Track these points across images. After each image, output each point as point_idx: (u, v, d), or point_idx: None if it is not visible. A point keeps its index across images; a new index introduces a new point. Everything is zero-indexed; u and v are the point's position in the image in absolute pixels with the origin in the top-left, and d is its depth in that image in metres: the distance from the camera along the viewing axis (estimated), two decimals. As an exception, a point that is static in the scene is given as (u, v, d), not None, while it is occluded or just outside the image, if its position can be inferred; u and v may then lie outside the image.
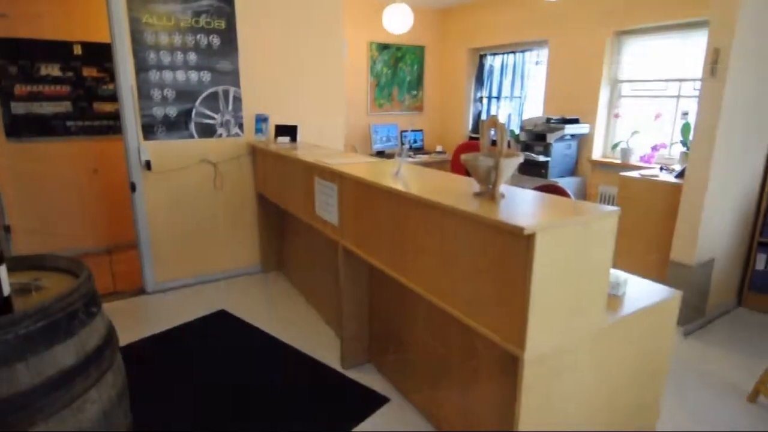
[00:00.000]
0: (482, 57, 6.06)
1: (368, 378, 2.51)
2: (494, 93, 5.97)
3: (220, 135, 3.64)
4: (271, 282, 3.81)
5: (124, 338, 2.91)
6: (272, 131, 3.77)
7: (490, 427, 1.78)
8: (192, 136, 3.53)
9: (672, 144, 4.15)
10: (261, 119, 3.70)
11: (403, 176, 2.08)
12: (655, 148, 4.27)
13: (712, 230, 2.99)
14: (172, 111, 3.42)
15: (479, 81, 6.15)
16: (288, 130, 3.69)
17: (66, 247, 4.25)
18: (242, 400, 2.33)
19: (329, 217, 2.49)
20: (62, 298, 1.41)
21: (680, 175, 3.39)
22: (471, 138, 6.18)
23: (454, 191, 1.74)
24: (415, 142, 6.26)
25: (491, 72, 5.99)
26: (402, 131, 6.15)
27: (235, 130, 3.68)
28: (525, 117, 5.48)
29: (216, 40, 3.48)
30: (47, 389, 1.35)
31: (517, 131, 5.07)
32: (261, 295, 3.57)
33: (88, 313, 1.54)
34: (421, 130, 6.33)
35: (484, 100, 6.12)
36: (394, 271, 1.96)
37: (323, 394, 2.37)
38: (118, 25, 3.12)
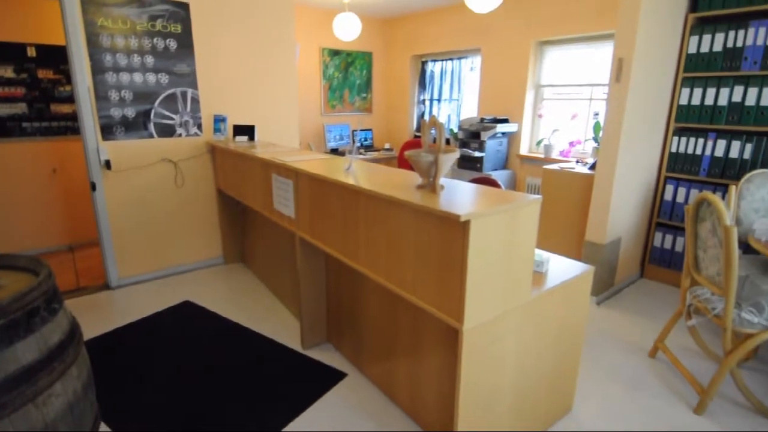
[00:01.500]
0: (424, 63, 6.11)
1: (327, 356, 2.50)
2: (435, 96, 6.05)
3: (180, 135, 3.47)
4: (234, 273, 3.71)
5: (91, 332, 2.76)
6: (231, 131, 3.65)
7: (436, 392, 1.83)
8: (152, 136, 3.35)
9: (586, 140, 4.37)
10: (219, 119, 3.57)
11: (354, 171, 2.08)
12: (572, 144, 4.48)
13: (619, 214, 3.18)
14: (131, 112, 3.23)
15: (422, 85, 6.21)
16: (246, 130, 3.58)
17: (28, 247, 3.95)
18: (208, 384, 2.26)
19: (286, 211, 2.45)
20: (21, 297, 1.32)
21: (593, 167, 3.58)
22: (415, 136, 6.24)
23: (399, 184, 1.75)
24: (365, 140, 6.24)
25: (432, 77, 6.05)
26: (353, 130, 6.13)
27: (194, 130, 3.53)
28: (462, 117, 5.59)
29: (173, 44, 3.30)
30: (9, 386, 1.26)
31: (455, 130, 5.17)
32: (224, 285, 3.46)
33: (49, 310, 1.45)
34: (370, 130, 6.33)
35: (427, 102, 6.19)
36: (347, 257, 1.96)
37: (285, 374, 2.34)
38: (73, 27, 2.90)
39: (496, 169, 4.84)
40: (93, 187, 3.16)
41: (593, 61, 4.28)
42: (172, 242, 3.59)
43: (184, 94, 3.42)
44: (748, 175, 2.64)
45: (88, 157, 3.11)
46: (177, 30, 3.30)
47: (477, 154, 4.73)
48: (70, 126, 4.03)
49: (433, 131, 1.72)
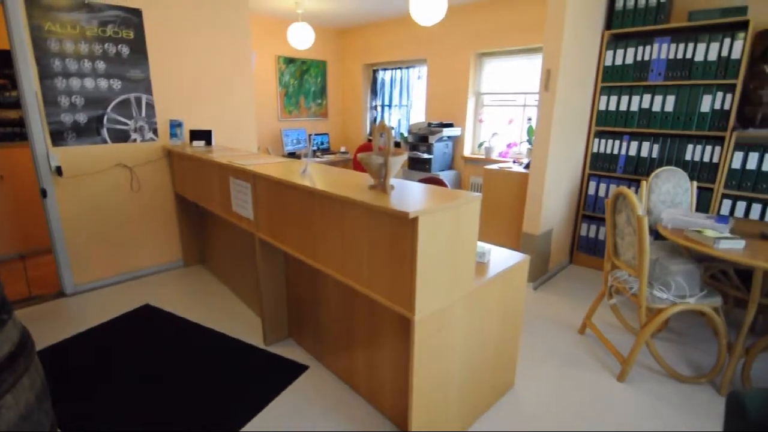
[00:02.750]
0: (375, 71, 6.12)
1: (289, 351, 2.45)
2: (386, 102, 6.07)
3: (135, 140, 3.27)
4: (195, 275, 3.55)
5: (46, 341, 2.55)
6: (187, 135, 3.48)
7: (392, 377, 1.84)
8: (105, 142, 3.13)
9: (521, 142, 4.55)
10: (175, 124, 3.39)
11: (310, 174, 2.04)
12: (509, 146, 4.64)
13: (550, 207, 3.33)
14: (82, 117, 3.00)
15: (374, 92, 6.22)
16: (203, 135, 3.43)
17: (-29, 256, 3.59)
18: (170, 386, 2.15)
19: (245, 213, 2.37)
20: (-36, 308, 1.19)
21: (527, 166, 3.73)
22: (369, 140, 6.24)
23: (353, 185, 1.75)
24: (322, 144, 6.17)
25: (383, 84, 6.08)
26: (310, 135, 6.04)
27: (150, 135, 3.34)
28: (411, 122, 5.65)
29: (125, 49, 3.10)
30: (-47, 400, 1.13)
31: (405, 134, 5.22)
32: (185, 287, 3.30)
33: (-4, 320, 1.31)
34: (327, 134, 6.26)
35: (379, 108, 6.20)
36: (305, 256, 1.93)
37: (248, 370, 2.27)
38: (17, 31, 2.65)
39: (443, 170, 4.94)
40: (44, 194, 2.91)
41: (526, 72, 4.45)
42: (130, 247, 3.38)
43: (138, 100, 3.23)
44: (656, 172, 2.84)
45: (38, 163, 2.86)
46: (129, 36, 3.11)
47: (425, 156, 4.80)
48: (18, 132, 3.70)
49: (382, 136, 1.72)
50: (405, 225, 1.39)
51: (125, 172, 3.26)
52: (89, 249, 3.18)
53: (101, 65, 3.02)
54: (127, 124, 3.21)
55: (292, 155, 5.68)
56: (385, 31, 5.65)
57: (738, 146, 2.88)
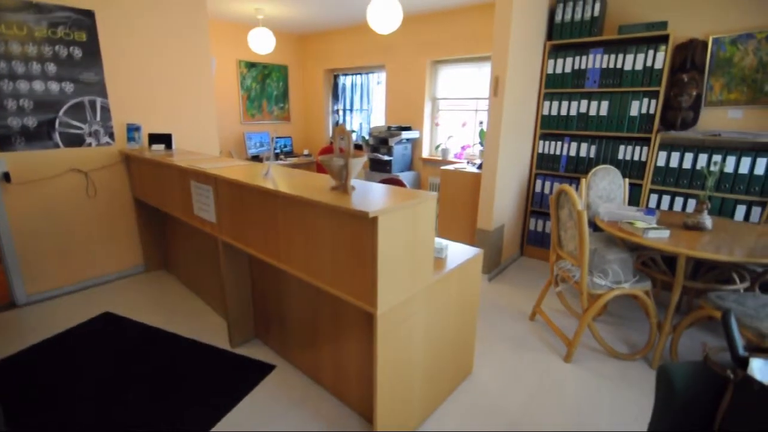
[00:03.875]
0: (336, 77, 6.07)
1: (255, 351, 2.38)
2: (348, 106, 6.04)
3: (90, 144, 3.06)
4: (157, 280, 3.37)
5: (-7, 354, 2.34)
6: (146, 139, 3.30)
7: (357, 371, 1.84)
8: (57, 146, 2.91)
9: (474, 144, 4.66)
10: (133, 128, 3.21)
11: (272, 176, 2.00)
12: (463, 148, 4.75)
13: (502, 205, 3.44)
14: (32, 121, 2.78)
15: (335, 96, 6.17)
16: (162, 138, 3.27)
17: None
18: (134, 393, 2.04)
19: (207, 216, 2.28)
20: None
21: (480, 167, 3.83)
22: (331, 142, 6.18)
23: (315, 186, 1.72)
24: (285, 146, 6.05)
25: (344, 89, 6.04)
26: (273, 138, 5.90)
27: (106, 139, 3.14)
28: (372, 125, 5.66)
29: (77, 52, 2.90)
30: None
31: (366, 137, 5.21)
32: (146, 293, 3.13)
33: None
34: (290, 137, 6.15)
35: (340, 112, 6.16)
36: (268, 257, 1.88)
37: (215, 373, 2.19)
38: (-47, 31, 2.42)
39: (403, 171, 4.97)
40: (-11, 201, 2.67)
41: (477, 79, 4.57)
42: (88, 254, 3.16)
43: (92, 103, 3.02)
44: (593, 170, 3.00)
45: (-18, 169, 2.62)
46: (81, 38, 2.91)
47: (386, 157, 4.82)
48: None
49: (343, 138, 1.71)
50: (365, 224, 1.39)
51: (80, 178, 3.05)
52: (43, 257, 2.95)
53: (52, 68, 2.80)
54: (81, 128, 3.00)
55: (256, 158, 5.53)
56: (345, 38, 5.62)
57: (662, 146, 3.09)
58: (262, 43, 4.49)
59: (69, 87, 2.90)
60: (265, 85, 5.84)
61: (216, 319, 2.74)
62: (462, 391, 2.07)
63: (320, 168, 5.51)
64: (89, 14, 2.92)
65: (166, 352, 2.36)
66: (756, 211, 2.80)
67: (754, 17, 2.86)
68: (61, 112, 2.89)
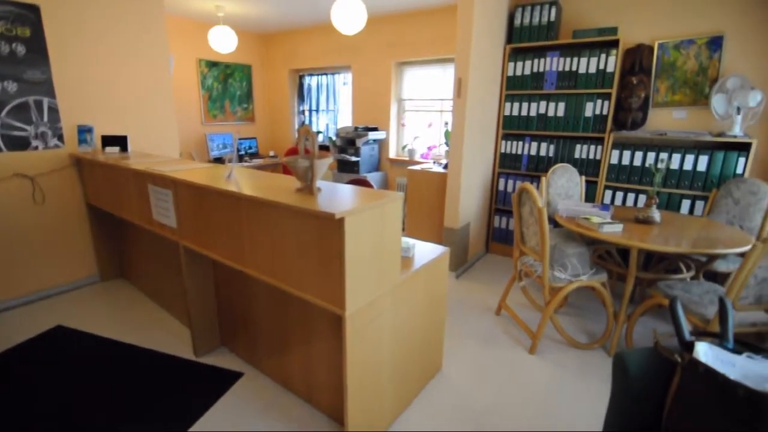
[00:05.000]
0: (301, 77, 5.99)
1: (222, 359, 2.31)
2: (314, 107, 5.98)
3: (36, 147, 2.86)
4: (114, 289, 3.19)
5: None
6: (99, 142, 3.13)
7: (327, 373, 1.81)
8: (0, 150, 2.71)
9: (440, 145, 4.73)
10: (84, 130, 3.03)
11: (235, 178, 1.94)
12: (430, 148, 4.81)
13: (467, 203, 3.51)
14: (-32, 123, 2.56)
15: (300, 97, 6.08)
16: (117, 140, 3.10)
17: None
18: (91, 411, 1.92)
19: (167, 221, 2.19)
20: None
21: (446, 166, 3.89)
22: (297, 144, 6.09)
23: (280, 188, 1.69)
24: (250, 148, 5.90)
25: (309, 90, 5.97)
26: (237, 139, 5.74)
27: (54, 141, 2.94)
28: (339, 126, 5.62)
29: (21, 48, 2.70)
30: None
31: (333, 138, 5.17)
32: (103, 303, 2.96)
33: None
34: (254, 138, 6.00)
35: (306, 113, 6.08)
36: (233, 262, 1.82)
37: (179, 384, 2.10)
38: None
39: (370, 172, 4.97)
40: None
41: (442, 80, 4.64)
42: (35, 264, 2.95)
43: (38, 103, 2.83)
44: (552, 168, 3.12)
45: None
46: (25, 34, 2.71)
47: (353, 158, 4.80)
48: None
49: (307, 139, 1.68)
50: (332, 225, 1.37)
51: (26, 183, 2.84)
52: (-17, 269, 2.73)
53: (-11, 65, 2.60)
54: (26, 130, 2.80)
55: (218, 160, 5.36)
56: (310, 37, 5.55)
57: (614, 146, 3.25)
58: (223, 42, 4.36)
59: (11, 86, 2.69)
60: (228, 84, 5.68)
61: (179, 328, 2.63)
62: (432, 388, 2.09)
63: (287, 170, 5.42)
64: (34, 9, 2.73)
65: (125, 365, 2.24)
66: (699, 204, 3.01)
67: (695, 24, 3.07)
68: (2, 113, 2.68)
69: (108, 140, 3.09)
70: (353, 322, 1.47)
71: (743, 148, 2.86)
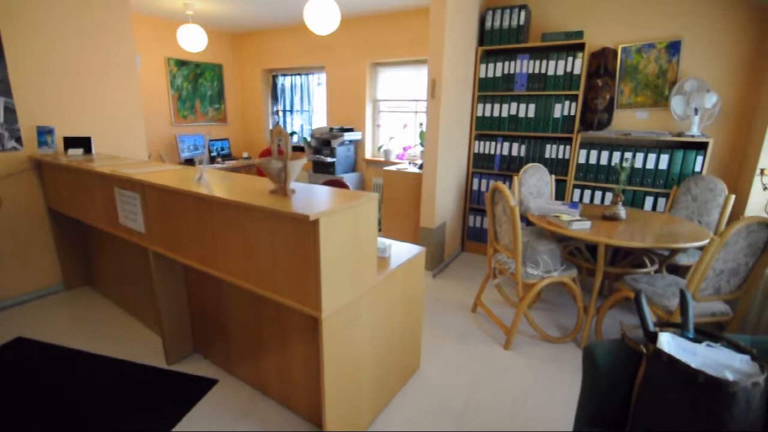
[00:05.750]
0: (275, 77, 5.90)
1: (195, 367, 2.24)
2: (288, 107, 5.90)
3: (-9, 150, 2.70)
4: (80, 298, 3.05)
5: None
6: (61, 143, 2.98)
7: (305, 377, 1.79)
8: (-52, 152, 2.53)
9: (415, 145, 4.76)
10: (45, 131, 2.88)
11: (206, 181, 1.89)
12: (405, 149, 4.83)
13: (443, 203, 3.54)
14: None
15: (274, 97, 5.99)
16: (80, 142, 2.97)
17: None
18: (58, 428, 1.82)
19: (135, 225, 2.11)
20: None
21: (421, 167, 3.92)
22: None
23: (252, 190, 1.65)
24: (222, 149, 5.76)
25: (283, 90, 5.89)
26: (209, 140, 5.60)
27: (12, 143, 2.78)
28: (314, 127, 5.57)
29: (-30, 46, 2.54)
30: None
31: (308, 138, 5.12)
32: (67, 313, 2.82)
33: None
34: (227, 139, 5.87)
35: (281, 113, 6.00)
36: (205, 266, 1.77)
37: (151, 394, 2.02)
38: None
39: (346, 172, 4.95)
40: None
41: (416, 81, 4.67)
42: (-8, 273, 2.79)
43: (-8, 104, 2.67)
44: (524, 168, 3.19)
45: None
46: (-25, 29, 2.55)
47: (329, 159, 4.77)
48: None
49: (280, 140, 1.66)
50: (306, 227, 1.35)
51: (-21, 187, 2.68)
52: (-67, 280, 2.55)
53: (-64, 62, 2.43)
54: (-22, 132, 2.64)
55: (189, 162, 5.21)
56: (283, 37, 5.48)
57: (582, 145, 3.36)
58: (192, 41, 4.24)
59: (-39, 85, 2.53)
60: (198, 84, 5.53)
61: (150, 336, 2.54)
62: (410, 387, 2.10)
63: (261, 171, 5.32)
64: (-16, 3, 2.57)
65: (92, 377, 2.14)
66: (661, 201, 3.14)
67: (655, 29, 3.21)
68: (-49, 113, 2.52)
69: (70, 142, 2.95)
70: (330, 324, 1.46)
71: (701, 147, 3.01)
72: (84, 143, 2.98)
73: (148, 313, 2.60)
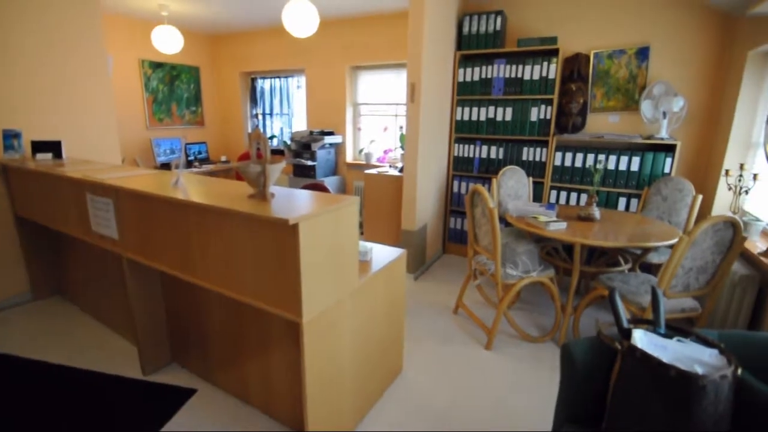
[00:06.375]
0: (254, 80, 5.83)
1: (173, 377, 2.18)
2: (267, 110, 5.83)
3: (-49, 154, 2.57)
4: (50, 308, 2.92)
5: None
6: (29, 148, 2.86)
7: (287, 383, 1.76)
8: None
9: (396, 148, 4.77)
10: (11, 135, 2.76)
11: (183, 185, 1.84)
12: (386, 152, 4.84)
13: (424, 205, 3.56)
14: None
15: (253, 100, 5.91)
16: (50, 146, 2.85)
17: None
18: (21, 439, 1.74)
19: (108, 232, 2.04)
20: None
21: (402, 170, 3.93)
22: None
23: (231, 195, 1.63)
24: (200, 153, 5.65)
25: (263, 93, 5.82)
26: (186, 144, 5.48)
27: (-26, 148, 2.66)
28: (294, 130, 5.53)
29: (-72, 45, 2.42)
30: None
31: (288, 142, 5.07)
32: (36, 324, 2.70)
33: None
34: (204, 143, 5.75)
35: (260, 116, 5.92)
36: (183, 273, 1.73)
37: (126, 406, 1.95)
38: None
39: (327, 176, 4.92)
40: None
41: (396, 84, 4.69)
42: (-47, 283, 2.64)
43: (-48, 106, 2.54)
44: (502, 170, 3.24)
45: None
46: (-67, 28, 2.43)
47: (309, 163, 4.73)
48: None
49: (258, 144, 1.63)
50: (286, 232, 1.34)
51: (-62, 194, 2.54)
52: None
53: None
54: (-63, 136, 2.51)
55: (166, 166, 5.08)
56: (261, 39, 5.42)
57: (558, 148, 3.44)
58: (168, 42, 4.14)
59: None
60: (174, 87, 5.41)
61: (125, 346, 2.45)
62: (393, 391, 2.10)
63: (240, 176, 5.24)
64: (-57, 1, 2.45)
65: (63, 390, 2.06)
66: (634, 202, 3.25)
67: (625, 35, 3.32)
68: None
69: (39, 146, 2.83)
70: (311, 329, 1.44)
71: (669, 149, 3.12)
72: (54, 147, 2.86)
73: (123, 323, 2.52)
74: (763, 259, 2.18)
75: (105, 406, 1.94)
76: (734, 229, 1.88)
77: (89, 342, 2.48)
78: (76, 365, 2.25)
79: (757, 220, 2.53)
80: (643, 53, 3.26)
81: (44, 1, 2.86)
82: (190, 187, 1.80)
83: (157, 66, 5.16)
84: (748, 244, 2.39)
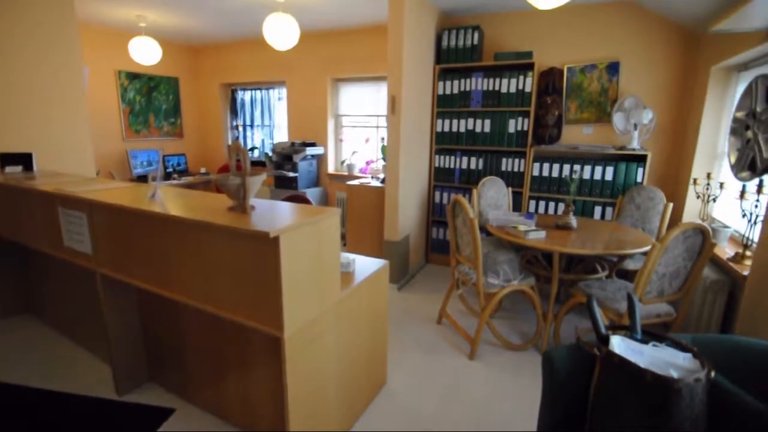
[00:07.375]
0: (234, 91, 5.79)
1: (149, 396, 2.09)
2: (248, 122, 5.79)
3: None
4: (16, 327, 2.78)
5: None
6: (-4, 161, 2.75)
7: (269, 399, 1.72)
8: None
9: (378, 159, 4.80)
10: (-23, 148, 2.65)
11: (160, 198, 1.80)
12: (368, 163, 4.85)
13: (406, 216, 3.58)
14: None
15: (233, 111, 5.86)
16: (20, 159, 2.75)
17: None
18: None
19: (81, 247, 1.97)
20: None
21: (383, 181, 3.95)
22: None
23: (210, 208, 1.60)
24: (178, 165, 5.54)
25: (243, 104, 5.78)
26: (165, 155, 5.37)
27: (-63, 161, 2.54)
28: (275, 141, 5.49)
29: None
30: None
31: (270, 153, 5.04)
32: (4, 343, 2.55)
33: None
34: (184, 154, 5.65)
35: (240, 128, 5.87)
36: (160, 288, 1.68)
37: (97, 428, 1.87)
38: None
39: (309, 187, 4.90)
40: None
41: (377, 97, 4.73)
42: None
43: None
44: (482, 181, 3.29)
45: None
46: None
47: (291, 174, 4.70)
48: None
49: (238, 156, 1.62)
50: (267, 244, 1.32)
51: None
52: None
53: None
54: None
55: (143, 178, 4.97)
56: (242, 51, 5.40)
57: (535, 159, 3.52)
58: (145, 53, 4.09)
59: None
60: (152, 98, 5.32)
61: (97, 365, 2.35)
62: (377, 402, 2.07)
63: (219, 188, 5.16)
64: None
65: (33, 414, 1.95)
66: (609, 210, 3.34)
67: (596, 51, 3.45)
68: None
69: (8, 158, 2.73)
70: (293, 343, 1.42)
71: (641, 159, 3.24)
72: (24, 160, 2.76)
73: (97, 341, 2.42)
74: (732, 264, 2.27)
75: (77, 430, 1.85)
76: (703, 236, 1.95)
77: (59, 362, 2.37)
78: (46, 386, 2.14)
79: (725, 226, 2.63)
80: (613, 68, 3.39)
81: (17, 8, 2.79)
82: (168, 200, 1.76)
83: (134, 77, 5.07)
84: (717, 250, 2.48)
